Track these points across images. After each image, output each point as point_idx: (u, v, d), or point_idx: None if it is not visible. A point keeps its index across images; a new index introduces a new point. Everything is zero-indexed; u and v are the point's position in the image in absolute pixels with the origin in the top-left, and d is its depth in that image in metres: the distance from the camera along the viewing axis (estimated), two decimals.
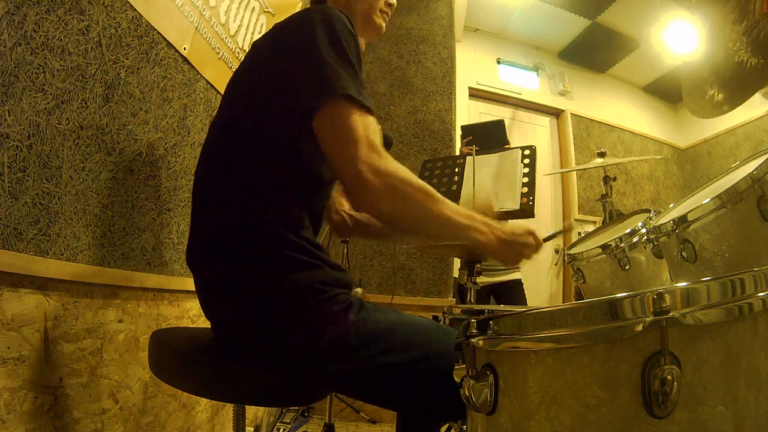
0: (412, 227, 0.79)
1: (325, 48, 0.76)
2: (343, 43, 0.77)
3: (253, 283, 0.77)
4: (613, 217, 1.99)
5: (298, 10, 2.14)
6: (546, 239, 1.17)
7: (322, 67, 0.75)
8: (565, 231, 3.60)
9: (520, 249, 0.87)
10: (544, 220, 3.87)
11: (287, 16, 0.87)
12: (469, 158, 1.58)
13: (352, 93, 0.73)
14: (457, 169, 1.58)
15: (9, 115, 0.78)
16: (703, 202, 0.87)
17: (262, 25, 1.77)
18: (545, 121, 4.20)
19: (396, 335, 0.77)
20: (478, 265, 1.35)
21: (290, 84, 0.78)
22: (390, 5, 1.04)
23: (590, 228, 3.26)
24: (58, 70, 0.88)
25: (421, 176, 1.65)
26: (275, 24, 0.89)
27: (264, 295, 0.76)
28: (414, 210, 0.75)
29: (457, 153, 2.78)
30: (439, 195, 0.77)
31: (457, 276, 2.76)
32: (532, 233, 0.89)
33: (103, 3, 0.98)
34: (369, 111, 0.76)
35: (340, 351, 0.74)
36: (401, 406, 0.84)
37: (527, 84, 4.17)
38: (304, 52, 0.78)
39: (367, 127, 0.74)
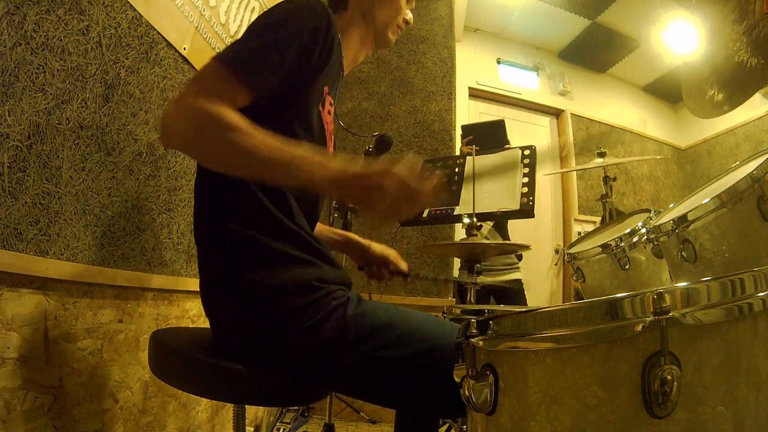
0: (215, 163, 0.72)
1: (256, 31, 0.77)
2: (274, 25, 0.77)
3: (251, 280, 0.77)
4: (613, 217, 1.99)
5: None
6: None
7: (239, 42, 0.76)
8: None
9: (376, 193, 0.69)
10: (544, 220, 3.87)
11: None
12: (469, 158, 1.58)
13: (234, 65, 0.71)
14: (457, 169, 1.57)
15: (9, 115, 0.78)
16: (703, 202, 0.87)
17: None
18: (545, 121, 4.20)
19: (395, 330, 0.77)
20: (478, 265, 1.35)
21: None
22: (407, 22, 1.05)
23: (590, 228, 3.26)
24: (58, 70, 0.87)
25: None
26: None
27: (262, 294, 0.76)
28: (209, 142, 0.67)
29: (457, 153, 2.78)
30: (252, 128, 0.67)
31: (457, 276, 2.76)
32: (398, 173, 0.68)
33: (103, 3, 0.98)
34: (241, 79, 0.71)
35: (338, 347, 0.74)
36: (401, 403, 0.84)
37: (527, 84, 4.17)
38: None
39: (216, 74, 0.70)
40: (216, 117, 0.66)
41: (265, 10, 0.85)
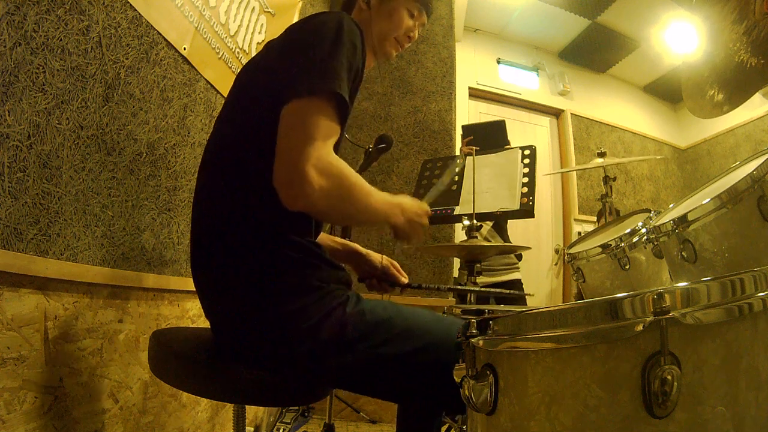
0: (342, 221, 0.86)
1: (332, 50, 0.76)
2: (345, 51, 0.77)
3: (252, 282, 0.77)
4: (612, 216, 1.99)
5: (298, 10, 2.14)
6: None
7: (321, 64, 0.75)
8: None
9: (417, 228, 0.91)
10: (544, 220, 3.87)
11: (303, 18, 0.87)
12: (469, 158, 1.58)
13: (343, 93, 0.73)
14: (457, 169, 1.57)
15: (9, 115, 0.78)
16: (703, 202, 0.87)
17: (262, 25, 1.77)
18: (545, 121, 4.20)
19: (394, 326, 0.78)
20: (478, 265, 1.35)
21: (289, 78, 0.77)
22: (410, 37, 1.03)
23: (590, 228, 3.26)
24: (58, 70, 0.87)
25: (421, 176, 1.65)
26: (291, 24, 0.90)
27: (263, 294, 0.76)
28: (350, 207, 0.76)
29: (457, 153, 2.78)
30: (368, 186, 0.78)
31: (457, 276, 2.76)
32: (425, 213, 0.93)
33: (103, 3, 0.98)
34: (341, 120, 0.75)
35: (339, 345, 0.75)
36: (401, 398, 0.85)
37: (527, 84, 4.17)
38: (308, 50, 0.77)
39: (330, 128, 0.73)
40: (357, 186, 0.75)
41: (308, 21, 0.83)
